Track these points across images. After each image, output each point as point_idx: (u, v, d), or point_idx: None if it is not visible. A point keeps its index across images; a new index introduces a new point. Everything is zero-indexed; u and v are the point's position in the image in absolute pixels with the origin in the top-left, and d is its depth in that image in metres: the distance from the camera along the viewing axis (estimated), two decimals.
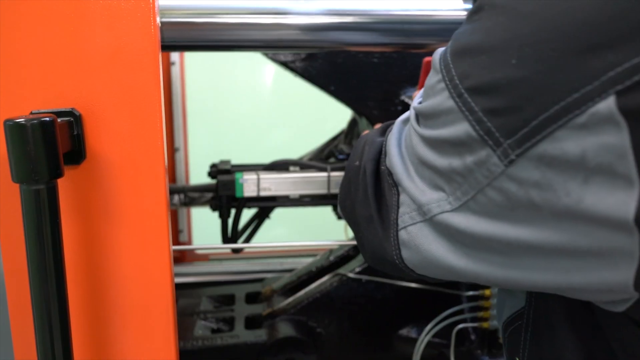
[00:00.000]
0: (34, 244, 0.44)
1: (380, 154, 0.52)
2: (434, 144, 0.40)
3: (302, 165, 0.94)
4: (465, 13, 0.74)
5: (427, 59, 0.86)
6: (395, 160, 0.47)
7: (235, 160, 1.03)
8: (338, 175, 0.92)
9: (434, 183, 0.41)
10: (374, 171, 0.51)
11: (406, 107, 0.95)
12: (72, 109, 0.48)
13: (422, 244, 0.43)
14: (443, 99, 0.39)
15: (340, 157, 0.98)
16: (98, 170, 0.49)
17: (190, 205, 1.05)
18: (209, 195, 1.01)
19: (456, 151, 0.38)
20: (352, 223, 0.58)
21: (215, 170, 0.96)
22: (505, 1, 0.36)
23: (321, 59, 0.92)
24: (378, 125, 0.91)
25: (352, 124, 1.09)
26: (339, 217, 1.01)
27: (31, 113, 0.47)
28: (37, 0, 0.47)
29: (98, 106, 0.49)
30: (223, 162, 1.00)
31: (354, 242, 0.98)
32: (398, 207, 0.46)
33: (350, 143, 1.08)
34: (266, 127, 2.03)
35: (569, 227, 0.33)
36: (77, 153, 0.48)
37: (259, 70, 2.06)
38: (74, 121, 0.47)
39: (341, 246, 1.11)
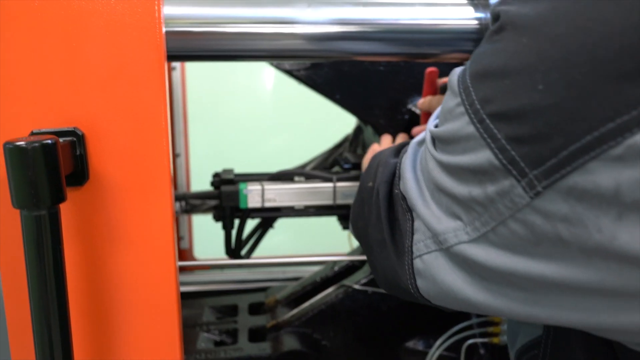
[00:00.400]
0: (35, 270, 0.42)
1: (393, 176, 0.50)
2: (452, 170, 0.38)
3: (307, 175, 0.92)
4: (476, 22, 0.72)
5: (429, 69, 0.84)
6: (410, 184, 0.45)
7: (237, 164, 1.01)
8: (344, 185, 0.90)
9: (451, 211, 0.39)
10: (387, 194, 0.49)
11: (413, 115, 0.93)
12: (74, 128, 0.46)
13: (438, 274, 0.41)
14: (462, 124, 0.37)
15: (346, 166, 0.96)
16: (101, 191, 0.48)
17: (191, 213, 1.03)
18: (211, 202, 1.00)
19: (476, 179, 0.36)
20: (365, 245, 0.56)
21: (219, 180, 0.94)
22: (530, 22, 0.34)
23: (326, 67, 0.90)
24: (386, 137, 0.89)
25: (357, 131, 1.08)
26: (344, 228, 1.00)
27: (32, 133, 0.45)
28: (37, 15, 0.45)
29: (101, 124, 0.47)
30: (226, 171, 0.98)
31: (361, 257, 0.96)
32: (412, 234, 0.44)
33: (355, 151, 1.06)
34: (268, 130, 2.00)
35: (600, 265, 0.31)
36: (79, 174, 0.46)
37: (260, 73, 2.04)
38: (76, 141, 0.46)
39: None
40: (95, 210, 0.48)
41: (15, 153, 0.39)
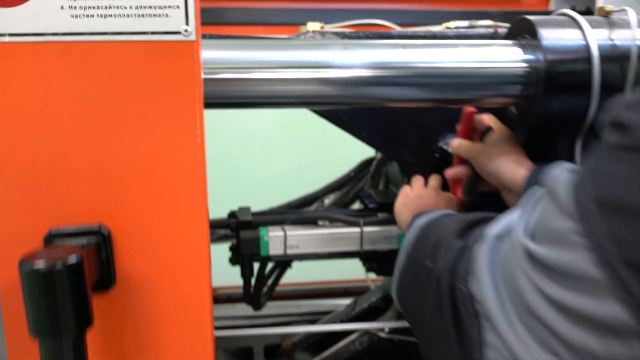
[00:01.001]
0: None
1: (457, 263, 0.44)
2: (558, 306, 0.32)
3: (331, 219, 0.85)
4: (525, 65, 0.66)
5: (468, 109, 0.77)
6: (486, 290, 0.39)
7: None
8: (372, 230, 0.84)
9: (547, 344, 0.33)
10: (450, 285, 0.43)
11: (444, 154, 0.86)
12: (99, 226, 0.39)
13: None
14: (581, 261, 0.31)
15: (371, 205, 0.89)
16: (130, 294, 0.41)
17: None
18: (221, 232, 0.94)
19: (596, 329, 0.30)
20: (417, 327, 0.50)
21: (236, 222, 0.87)
22: None
23: None
24: (417, 179, 0.82)
25: (380, 163, 1.01)
26: (368, 270, 0.93)
27: (49, 234, 0.38)
28: (62, 97, 0.39)
29: (130, 219, 0.40)
30: (242, 210, 0.90)
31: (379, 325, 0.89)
32: (482, 345, 0.38)
33: (377, 186, 1.00)
34: (277, 144, 1.93)
35: None
36: (105, 279, 0.40)
37: None
38: (102, 242, 0.39)
39: (366, 297, 1.03)
40: (123, 318, 0.41)
41: (33, 278, 0.32)
